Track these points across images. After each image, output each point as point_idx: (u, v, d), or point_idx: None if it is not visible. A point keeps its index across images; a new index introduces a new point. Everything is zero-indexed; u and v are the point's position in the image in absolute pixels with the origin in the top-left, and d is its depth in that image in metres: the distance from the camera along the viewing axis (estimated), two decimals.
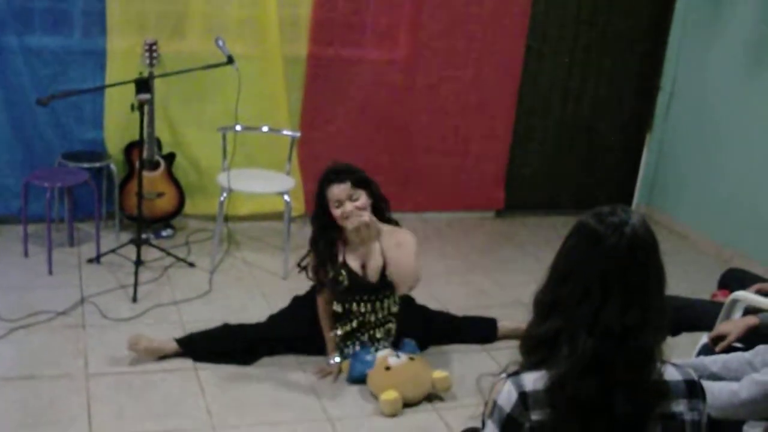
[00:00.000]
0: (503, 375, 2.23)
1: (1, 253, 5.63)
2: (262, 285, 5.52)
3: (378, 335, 4.56)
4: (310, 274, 4.55)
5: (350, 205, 4.30)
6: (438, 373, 4.37)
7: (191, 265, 5.69)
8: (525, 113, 7.11)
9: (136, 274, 5.19)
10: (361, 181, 4.38)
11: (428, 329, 4.89)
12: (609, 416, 2.14)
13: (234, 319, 4.83)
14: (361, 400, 4.34)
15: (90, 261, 5.59)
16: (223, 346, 4.60)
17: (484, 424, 2.27)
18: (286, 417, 4.14)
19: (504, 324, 5.06)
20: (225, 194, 5.55)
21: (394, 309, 4.60)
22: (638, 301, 2.13)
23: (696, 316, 4.16)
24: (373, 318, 4.53)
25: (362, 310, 4.51)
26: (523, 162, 7.27)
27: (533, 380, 2.18)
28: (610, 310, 2.11)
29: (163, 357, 4.53)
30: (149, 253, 5.66)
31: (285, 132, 6.00)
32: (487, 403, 2.27)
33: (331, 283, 4.45)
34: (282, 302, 4.97)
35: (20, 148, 5.93)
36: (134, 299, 5.12)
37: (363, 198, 4.34)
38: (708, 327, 3.94)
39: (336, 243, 4.45)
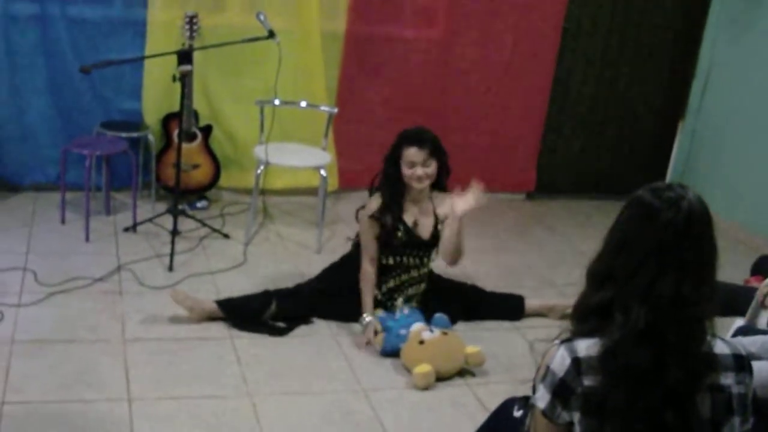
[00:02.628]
0: (557, 341, 2.27)
1: (40, 220, 5.69)
2: (295, 258, 5.56)
3: (411, 292, 4.80)
4: (369, 215, 4.66)
5: (421, 170, 4.54)
6: (471, 348, 4.41)
7: (226, 236, 5.74)
8: (559, 96, 7.12)
9: (172, 243, 5.24)
10: (437, 151, 4.60)
11: (457, 301, 4.96)
12: (660, 385, 2.17)
13: (268, 288, 4.86)
14: (395, 373, 4.38)
15: (126, 229, 5.65)
16: (261, 311, 4.67)
17: (534, 389, 2.31)
18: (320, 387, 4.18)
19: (531, 302, 5.11)
20: (261, 167, 5.58)
21: (429, 269, 4.87)
22: (691, 275, 2.16)
23: (730, 300, 4.18)
24: (416, 273, 4.78)
25: (412, 263, 4.75)
26: (555, 145, 7.28)
27: (587, 347, 2.21)
28: (664, 281, 2.14)
29: (200, 319, 4.59)
30: (185, 224, 5.71)
31: (323, 107, 6.03)
32: (539, 368, 2.31)
33: (388, 233, 4.64)
34: (316, 273, 5.03)
35: (59, 116, 6.01)
36: (170, 268, 5.17)
37: (433, 167, 4.58)
38: (741, 311, 3.97)
39: (402, 194, 4.65)
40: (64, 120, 6.01)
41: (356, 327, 4.72)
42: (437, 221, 4.72)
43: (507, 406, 3.08)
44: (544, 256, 6.15)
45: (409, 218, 4.67)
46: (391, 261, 4.73)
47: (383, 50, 6.52)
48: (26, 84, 5.89)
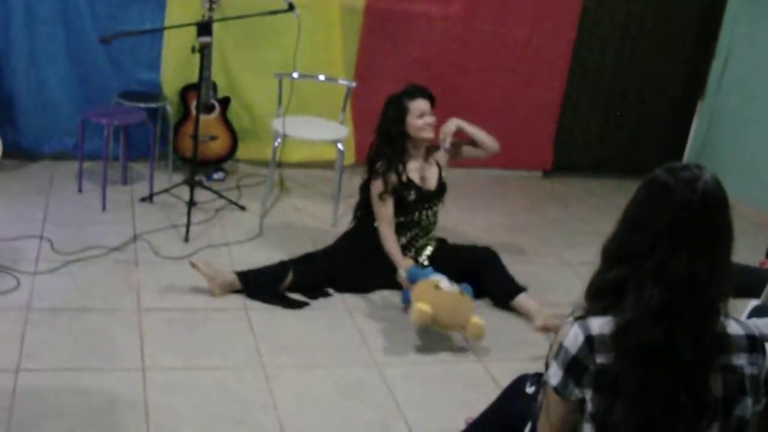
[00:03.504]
0: (570, 318, 2.27)
1: (57, 189, 5.72)
2: (311, 232, 5.56)
3: (421, 243, 4.94)
4: (378, 187, 4.78)
5: (430, 118, 4.79)
6: (477, 320, 4.37)
7: (242, 208, 5.75)
8: (577, 75, 7.08)
9: (188, 214, 5.24)
10: (433, 104, 4.87)
11: (464, 262, 4.93)
12: (672, 364, 2.17)
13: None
14: (408, 348, 4.39)
15: (143, 200, 5.67)
16: (279, 281, 4.70)
17: (547, 365, 2.31)
18: (333, 361, 4.20)
19: (526, 300, 4.86)
20: (279, 140, 5.58)
21: (437, 219, 5.03)
22: (706, 255, 2.15)
23: (745, 281, 4.16)
24: (426, 223, 4.94)
25: (423, 216, 4.90)
26: (572, 124, 7.25)
27: (600, 325, 2.21)
28: (678, 261, 2.14)
29: (220, 291, 4.61)
30: (201, 195, 5.73)
31: (341, 81, 6.02)
32: (552, 345, 2.32)
33: (399, 197, 4.77)
34: None
35: (78, 85, 6.03)
36: (186, 239, 5.18)
37: (434, 118, 4.83)
38: (757, 293, 3.96)
39: (406, 151, 4.81)
40: (83, 89, 6.03)
41: (372, 298, 4.77)
42: (440, 169, 4.94)
43: (519, 381, 3.09)
44: (560, 234, 6.14)
45: (415, 176, 4.83)
46: (402, 219, 4.85)
47: (402, 25, 6.51)
48: (45, 53, 5.90)
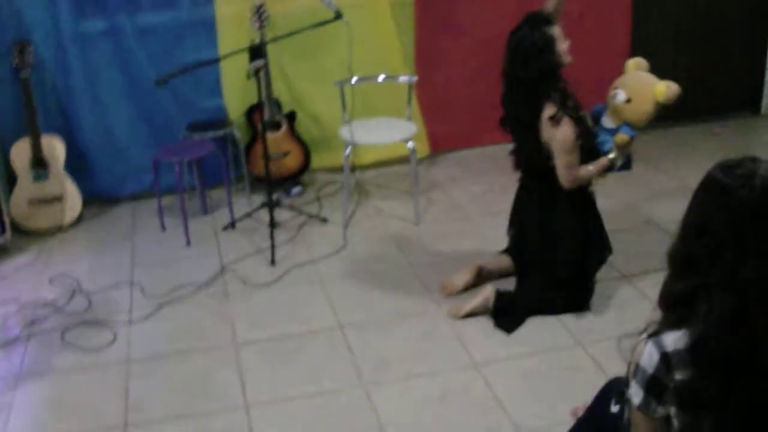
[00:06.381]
0: (644, 336, 2.20)
1: (140, 229, 5.79)
2: (395, 235, 5.52)
3: None
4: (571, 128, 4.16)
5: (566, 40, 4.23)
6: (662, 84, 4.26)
7: (324, 220, 5.74)
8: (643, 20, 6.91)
9: (271, 236, 5.24)
10: None
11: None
12: (752, 374, 2.08)
13: (371, 271, 4.95)
14: (504, 344, 4.31)
15: (225, 228, 5.69)
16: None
17: (628, 384, 2.25)
18: (431, 368, 4.14)
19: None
20: (349, 148, 5.55)
21: None
22: None
23: None
24: None
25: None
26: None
27: (674, 340, 2.13)
28: (747, 265, 2.04)
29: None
30: (282, 214, 5.74)
31: (401, 78, 5.93)
32: (630, 364, 2.25)
33: (583, 129, 4.24)
34: (418, 248, 5.17)
35: (145, 125, 6.10)
36: (272, 261, 5.19)
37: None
38: None
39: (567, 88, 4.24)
40: (151, 127, 6.10)
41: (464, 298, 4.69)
42: None
43: (605, 395, 2.98)
44: (641, 191, 5.97)
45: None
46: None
47: (455, 7, 6.40)
48: (108, 98, 5.98)
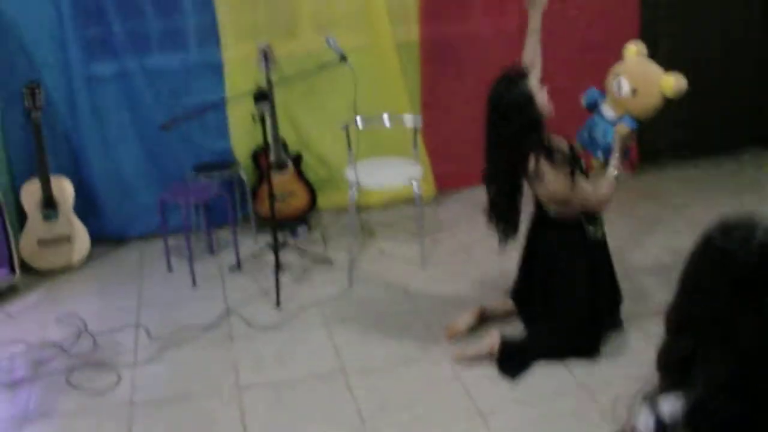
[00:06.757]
0: (639, 398, 2.19)
1: (147, 270, 5.82)
2: (400, 277, 5.52)
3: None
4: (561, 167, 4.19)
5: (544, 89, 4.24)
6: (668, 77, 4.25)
7: (329, 262, 5.76)
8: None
9: (276, 279, 5.26)
10: None
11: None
12: None
13: (376, 314, 4.93)
14: (509, 390, 4.31)
15: (231, 269, 5.73)
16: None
17: None
18: (435, 415, 4.14)
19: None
20: (354, 189, 5.58)
21: None
22: None
23: None
24: None
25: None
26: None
27: (671, 404, 2.12)
28: (746, 328, 2.03)
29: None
30: (287, 255, 5.76)
31: (406, 119, 5.93)
32: (624, 426, 2.24)
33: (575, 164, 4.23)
34: (423, 291, 5.19)
35: (152, 166, 6.15)
36: (277, 303, 5.21)
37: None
38: None
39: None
40: (158, 168, 6.15)
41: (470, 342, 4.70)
42: None
43: None
44: (655, 233, 5.97)
45: (560, 143, 4.28)
46: None
47: (460, 49, 6.45)
48: (116, 140, 6.04)
